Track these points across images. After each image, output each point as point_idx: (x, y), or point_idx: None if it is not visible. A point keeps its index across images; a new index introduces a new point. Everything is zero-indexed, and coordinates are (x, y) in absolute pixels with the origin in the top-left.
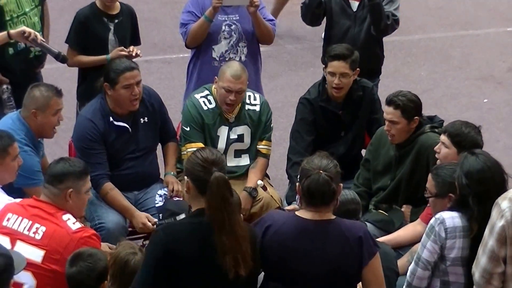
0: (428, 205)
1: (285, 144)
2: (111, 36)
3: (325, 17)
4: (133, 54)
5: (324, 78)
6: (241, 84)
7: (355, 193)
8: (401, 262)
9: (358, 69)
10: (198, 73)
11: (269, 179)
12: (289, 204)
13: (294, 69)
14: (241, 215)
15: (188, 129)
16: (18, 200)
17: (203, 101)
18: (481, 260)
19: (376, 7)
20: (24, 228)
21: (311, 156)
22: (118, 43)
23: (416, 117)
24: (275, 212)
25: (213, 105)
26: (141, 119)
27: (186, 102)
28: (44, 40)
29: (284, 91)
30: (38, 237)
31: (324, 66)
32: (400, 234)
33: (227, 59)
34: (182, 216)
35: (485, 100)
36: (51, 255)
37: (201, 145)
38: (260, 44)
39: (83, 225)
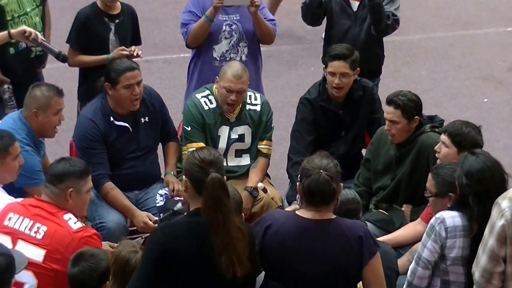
0: (428, 204)
1: (285, 143)
2: (112, 36)
3: (325, 17)
4: (134, 54)
5: (324, 78)
6: (242, 84)
7: (355, 192)
8: (401, 261)
9: (358, 69)
10: (199, 73)
11: (270, 178)
12: (289, 203)
13: (294, 69)
14: (243, 214)
15: (189, 128)
16: (20, 199)
17: (204, 101)
18: (481, 259)
19: (376, 7)
20: (26, 227)
21: (312, 156)
22: (119, 43)
23: (416, 117)
24: (276, 211)
25: (214, 105)
26: (142, 119)
27: (187, 101)
28: (44, 39)
29: (285, 91)
30: (39, 236)
31: (324, 66)
32: (400, 233)
33: (227, 59)
34: (179, 205)
35: (485, 100)
36: (52, 255)
37: (202, 144)
38: (260, 44)
39: (84, 224)
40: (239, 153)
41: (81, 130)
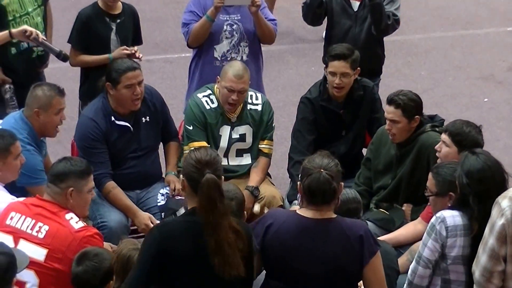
0: (429, 204)
1: (286, 143)
2: (113, 36)
3: (326, 17)
4: (137, 55)
5: (325, 78)
6: (243, 84)
7: (356, 192)
8: (400, 261)
9: (358, 68)
10: (200, 72)
11: (271, 178)
12: (290, 202)
13: (295, 68)
14: (245, 213)
15: (191, 128)
16: (21, 199)
17: (206, 100)
18: (481, 258)
19: (377, 7)
20: (27, 227)
21: (312, 155)
22: (120, 43)
23: (416, 116)
24: (277, 210)
25: (215, 104)
26: (143, 118)
27: (189, 101)
28: (45, 39)
29: (286, 91)
30: (41, 236)
31: (325, 66)
32: (401, 233)
33: (228, 58)
34: (182, 210)
35: (486, 100)
36: (53, 254)
37: (204, 143)
38: (261, 44)
39: (85, 224)
40: (240, 153)
41: (82, 129)
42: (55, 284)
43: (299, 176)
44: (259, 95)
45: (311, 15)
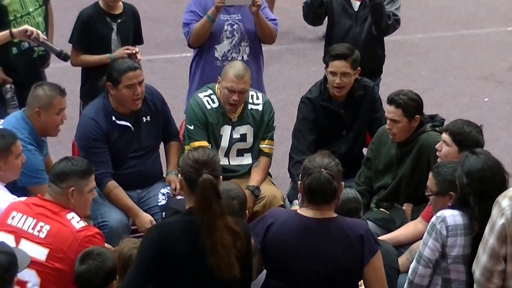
0: (429, 203)
1: (287, 143)
2: (114, 36)
3: (326, 17)
4: (138, 57)
5: (325, 78)
6: (244, 84)
7: (356, 192)
8: (400, 260)
9: (359, 68)
10: (201, 72)
11: (271, 177)
12: (291, 202)
13: (295, 68)
14: (246, 212)
15: (192, 127)
16: (23, 198)
17: (207, 100)
18: (482, 258)
19: (377, 7)
20: (29, 226)
21: (313, 155)
22: (121, 43)
23: (417, 116)
24: (277, 210)
25: (216, 104)
26: (144, 118)
27: (190, 101)
28: (46, 38)
29: (286, 90)
30: (42, 235)
31: (325, 65)
32: (401, 232)
33: (229, 58)
34: None
35: (486, 99)
36: (55, 254)
37: (205, 143)
38: (262, 44)
39: (87, 223)
40: (241, 153)
41: (83, 129)
42: (56, 284)
43: (300, 175)
44: (260, 95)
45: (312, 15)
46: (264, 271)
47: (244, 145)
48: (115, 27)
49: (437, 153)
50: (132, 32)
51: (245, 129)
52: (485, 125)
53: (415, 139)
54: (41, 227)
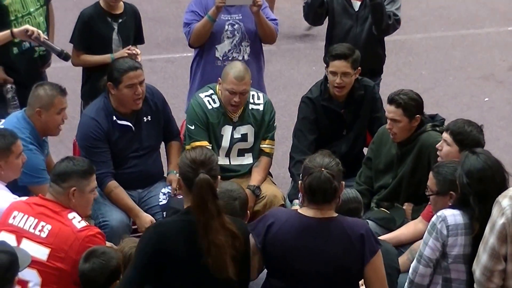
0: (429, 203)
1: (287, 142)
2: (115, 36)
3: (327, 17)
4: (138, 58)
5: (326, 77)
6: (245, 85)
7: (356, 191)
8: (401, 260)
9: (359, 68)
10: (202, 72)
11: (272, 177)
12: (291, 201)
13: (296, 68)
14: (248, 212)
15: (193, 127)
16: (24, 198)
17: (208, 100)
18: (482, 257)
19: (378, 7)
20: (30, 226)
21: (313, 155)
22: (122, 43)
23: (417, 116)
24: (278, 209)
25: (217, 104)
26: (145, 118)
27: (190, 101)
28: (47, 38)
29: (287, 90)
30: (43, 235)
31: (325, 65)
32: (402, 232)
33: (230, 58)
34: None
35: (486, 99)
36: (56, 253)
37: (206, 143)
38: (262, 44)
39: (88, 223)
40: (241, 153)
41: (84, 129)
42: (57, 283)
43: (300, 175)
44: (260, 95)
45: (312, 15)
46: (265, 271)
47: (245, 145)
48: (116, 27)
49: (438, 153)
50: (133, 32)
51: (246, 129)
52: (485, 125)
53: (416, 138)
54: (43, 226)
